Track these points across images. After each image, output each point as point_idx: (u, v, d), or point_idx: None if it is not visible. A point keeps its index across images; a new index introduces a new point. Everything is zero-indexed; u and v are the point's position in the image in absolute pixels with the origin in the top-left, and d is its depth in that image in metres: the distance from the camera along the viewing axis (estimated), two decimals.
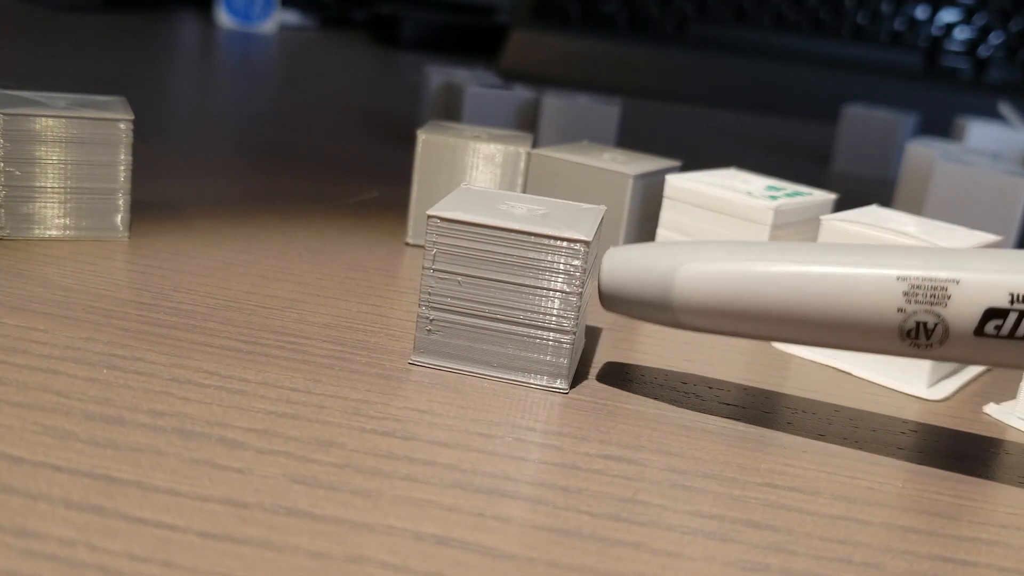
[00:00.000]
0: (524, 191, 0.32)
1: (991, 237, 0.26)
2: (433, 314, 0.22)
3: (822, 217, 0.26)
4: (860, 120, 0.60)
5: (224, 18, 0.98)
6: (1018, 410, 0.24)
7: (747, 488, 0.19)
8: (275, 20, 1.00)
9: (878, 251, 0.20)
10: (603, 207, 0.24)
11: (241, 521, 0.16)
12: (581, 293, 0.22)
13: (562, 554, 0.16)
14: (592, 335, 0.26)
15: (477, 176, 0.31)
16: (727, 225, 0.28)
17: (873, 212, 0.27)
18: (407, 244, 0.32)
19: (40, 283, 0.24)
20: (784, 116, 0.83)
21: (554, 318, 0.22)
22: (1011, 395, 0.25)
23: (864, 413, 0.23)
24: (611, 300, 0.21)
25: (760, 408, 0.23)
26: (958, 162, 0.40)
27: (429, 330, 0.22)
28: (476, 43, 1.04)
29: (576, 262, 0.21)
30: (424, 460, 0.18)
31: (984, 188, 0.39)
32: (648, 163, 0.31)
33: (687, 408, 0.22)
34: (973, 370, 0.27)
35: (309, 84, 0.69)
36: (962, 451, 0.22)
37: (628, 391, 0.23)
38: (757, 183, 0.30)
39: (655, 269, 0.21)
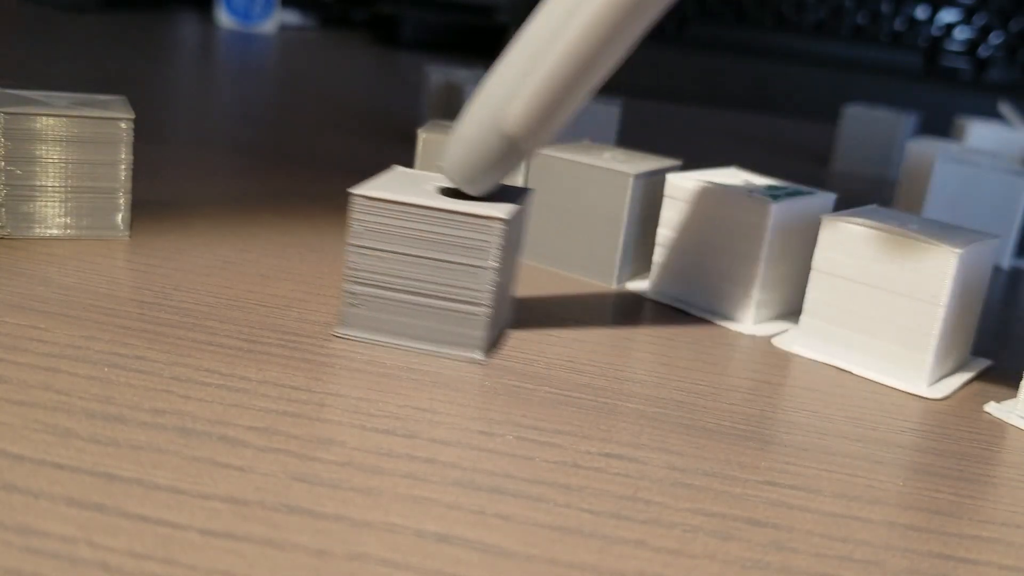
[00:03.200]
0: None
1: (990, 236, 0.26)
2: (357, 288, 0.23)
3: (823, 216, 0.26)
4: (860, 120, 0.60)
5: (224, 18, 0.98)
6: (1018, 409, 0.24)
7: (748, 486, 0.19)
8: (275, 20, 1.00)
9: None
10: (532, 189, 0.25)
11: (242, 519, 0.16)
12: (497, 268, 0.23)
13: (563, 552, 0.16)
14: (593, 334, 0.26)
15: None
16: (727, 224, 0.28)
17: (873, 211, 0.27)
18: None
19: (41, 282, 0.24)
20: (784, 116, 0.83)
21: (472, 292, 0.23)
22: (1011, 394, 0.25)
23: (865, 411, 0.23)
24: (470, 182, 0.23)
25: (761, 406, 0.23)
26: (958, 162, 0.40)
27: (353, 304, 0.23)
28: (476, 43, 1.04)
29: (491, 239, 0.22)
30: (425, 458, 0.18)
31: (984, 187, 0.39)
32: (648, 162, 0.31)
33: (687, 406, 0.22)
34: (974, 369, 0.27)
35: (309, 84, 0.69)
36: (962, 449, 0.22)
37: (628, 390, 0.23)
38: (757, 182, 0.30)
39: (485, 132, 0.22)
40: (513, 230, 0.23)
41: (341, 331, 0.23)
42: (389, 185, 0.24)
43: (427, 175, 0.25)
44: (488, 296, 0.23)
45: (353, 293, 0.23)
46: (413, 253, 0.23)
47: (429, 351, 0.23)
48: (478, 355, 0.23)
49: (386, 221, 0.23)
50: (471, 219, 0.22)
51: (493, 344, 0.24)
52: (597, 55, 0.21)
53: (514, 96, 0.22)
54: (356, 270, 0.23)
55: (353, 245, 0.23)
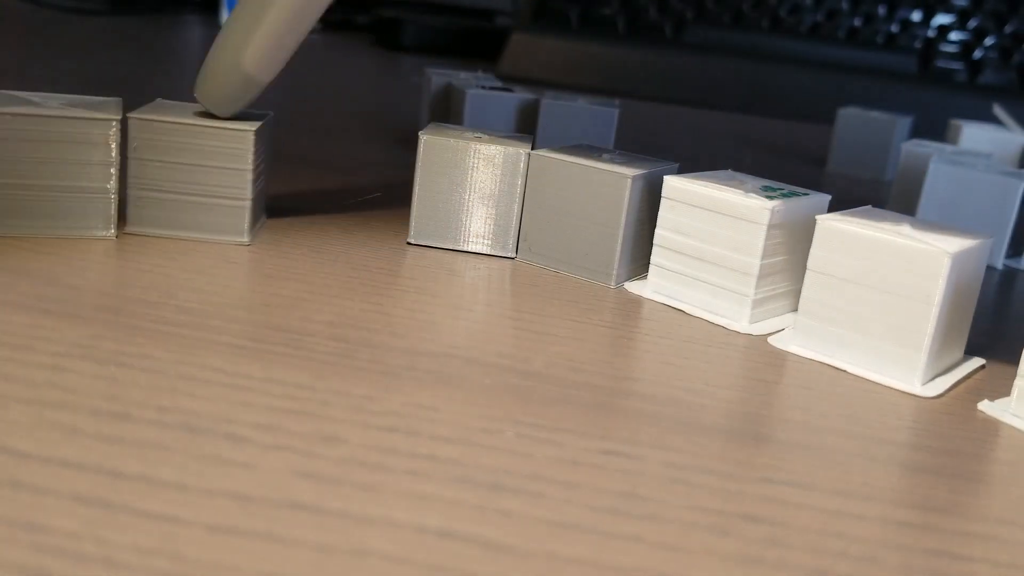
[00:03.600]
0: (524, 191, 0.32)
1: (983, 236, 0.27)
2: (141, 193, 0.29)
3: (818, 217, 0.27)
4: (855, 122, 0.61)
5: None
6: (1011, 407, 0.24)
7: (744, 483, 0.19)
8: None
9: None
10: (270, 113, 0.32)
11: (247, 515, 0.16)
12: (253, 169, 0.29)
13: (562, 547, 0.16)
14: (592, 334, 0.26)
15: (477, 176, 0.32)
16: (724, 225, 0.28)
17: (868, 212, 0.28)
18: (409, 244, 0.32)
19: (48, 281, 0.25)
20: (780, 118, 0.83)
21: (235, 189, 0.29)
22: (1004, 392, 0.26)
23: (859, 409, 0.24)
24: (219, 108, 0.29)
25: (757, 404, 0.23)
26: (952, 163, 0.40)
27: (139, 205, 0.29)
28: (477, 46, 1.04)
29: (244, 146, 0.29)
30: (426, 455, 0.19)
31: (978, 189, 0.40)
32: (646, 164, 0.32)
33: (684, 404, 0.23)
34: (967, 368, 0.27)
35: (311, 86, 0.70)
36: (956, 447, 0.22)
37: (626, 388, 0.23)
38: (753, 184, 0.30)
39: (229, 69, 0.28)
40: (259, 140, 0.30)
41: (132, 230, 0.29)
42: (159, 110, 0.29)
43: (189, 105, 0.31)
44: (248, 191, 0.29)
45: (139, 196, 0.29)
46: (181, 161, 0.29)
47: (203, 239, 0.29)
48: (244, 239, 0.30)
49: (160, 137, 0.29)
50: (225, 132, 0.29)
51: (253, 230, 0.30)
52: (309, 3, 0.27)
53: (247, 41, 0.28)
54: (139, 178, 0.29)
55: (134, 158, 0.29)
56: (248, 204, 0.30)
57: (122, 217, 0.29)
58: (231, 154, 0.29)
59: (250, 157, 0.29)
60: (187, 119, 0.29)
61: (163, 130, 0.28)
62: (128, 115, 0.28)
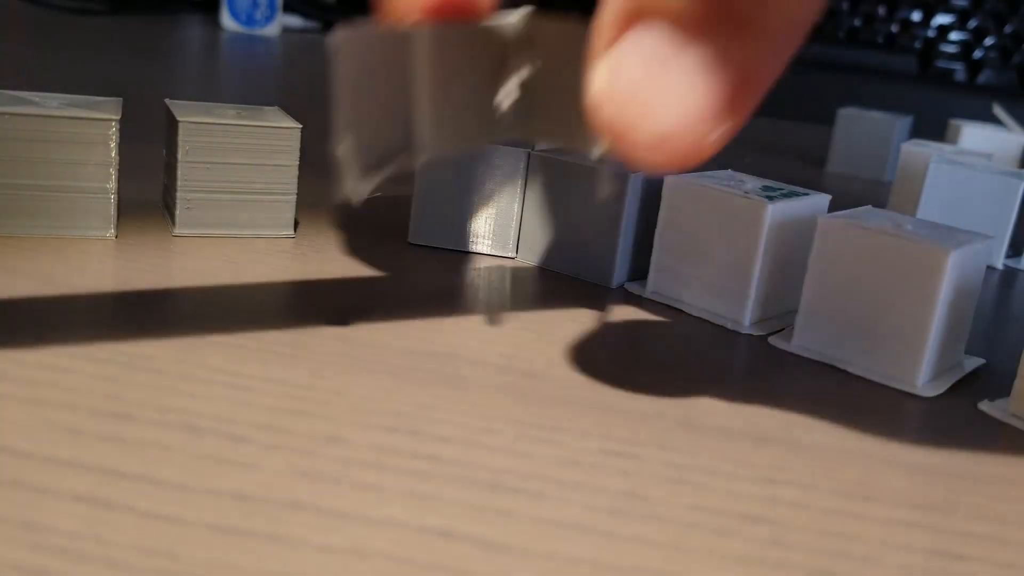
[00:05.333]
0: (524, 192, 0.32)
1: (983, 236, 0.27)
2: (189, 195, 0.29)
3: (818, 217, 0.27)
4: (855, 122, 0.61)
5: (228, 22, 0.99)
6: (1011, 407, 0.24)
7: (745, 483, 0.19)
8: (278, 23, 1.00)
9: None
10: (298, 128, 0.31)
11: (248, 515, 0.16)
12: (298, 165, 0.30)
13: (562, 547, 0.16)
14: (592, 334, 0.26)
15: (478, 176, 0.32)
16: (724, 225, 0.28)
17: (868, 213, 0.28)
18: (409, 244, 0.32)
19: (46, 281, 0.25)
20: (779, 118, 0.83)
21: (280, 185, 0.30)
22: (1004, 392, 0.26)
23: (860, 409, 0.24)
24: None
25: (757, 404, 0.23)
26: (952, 164, 0.40)
27: (188, 208, 0.29)
28: None
29: (292, 143, 0.30)
30: (427, 455, 0.19)
31: (978, 189, 0.40)
32: None
33: (685, 404, 0.23)
34: (967, 367, 0.27)
35: (311, 86, 0.70)
36: (957, 447, 0.22)
37: (628, 389, 0.23)
38: (754, 184, 0.30)
39: None
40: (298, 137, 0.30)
41: (180, 232, 0.29)
42: (199, 112, 0.30)
43: (214, 105, 0.31)
44: (294, 186, 0.30)
45: (188, 199, 0.29)
46: (233, 161, 0.29)
47: (251, 235, 0.30)
48: (288, 232, 0.31)
49: (209, 139, 0.29)
50: (277, 130, 0.30)
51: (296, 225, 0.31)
52: None
53: None
54: (188, 180, 0.29)
55: (184, 161, 0.29)
56: (294, 198, 0.31)
57: (128, 219, 0.29)
58: (279, 151, 0.30)
59: (297, 153, 0.30)
60: (233, 120, 0.29)
61: (212, 132, 0.29)
62: (179, 119, 0.28)
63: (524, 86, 0.23)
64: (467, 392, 0.22)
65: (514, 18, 0.23)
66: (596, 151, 0.20)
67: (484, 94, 0.23)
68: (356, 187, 0.23)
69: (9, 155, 0.27)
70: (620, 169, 0.29)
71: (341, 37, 0.21)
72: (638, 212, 0.31)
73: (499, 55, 0.23)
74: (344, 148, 0.22)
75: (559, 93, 0.22)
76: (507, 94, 0.23)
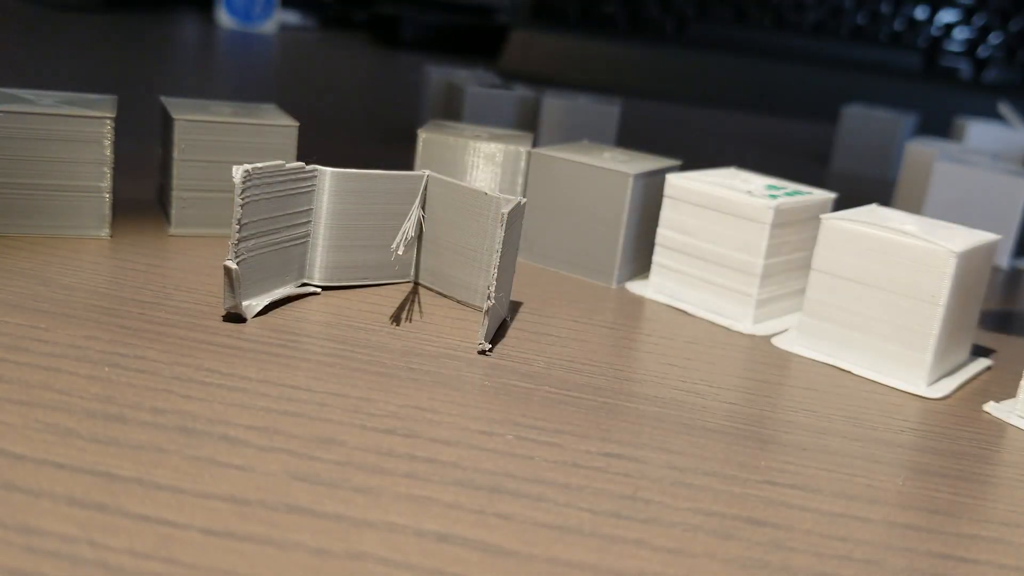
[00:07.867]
0: (525, 190, 0.32)
1: (990, 236, 0.26)
2: (184, 194, 0.29)
3: (822, 216, 0.26)
4: (860, 120, 0.60)
5: (224, 18, 0.98)
6: (1017, 408, 0.24)
7: (747, 485, 0.19)
8: (275, 20, 1.00)
9: None
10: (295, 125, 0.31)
11: (243, 518, 0.16)
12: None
13: (563, 551, 0.16)
14: (593, 334, 0.26)
15: (477, 175, 0.32)
16: (727, 224, 0.28)
17: (873, 211, 0.27)
18: None
19: (42, 281, 0.24)
20: (784, 116, 0.83)
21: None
22: (1011, 394, 0.25)
23: (864, 411, 0.23)
24: None
25: (760, 406, 0.23)
26: (958, 162, 0.40)
27: (184, 206, 0.29)
28: (476, 43, 1.04)
29: (289, 140, 0.30)
30: (425, 457, 0.18)
31: (984, 188, 0.39)
32: (648, 162, 0.31)
33: (687, 406, 0.22)
34: (973, 369, 0.27)
35: (309, 84, 0.69)
36: (961, 449, 0.22)
37: (627, 390, 0.23)
38: (757, 182, 0.30)
39: None
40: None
41: (175, 231, 0.29)
42: (196, 110, 0.30)
43: (210, 103, 0.31)
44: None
45: (182, 198, 0.29)
46: (229, 159, 0.29)
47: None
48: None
49: (205, 137, 0.29)
50: (275, 128, 0.30)
51: None
52: None
53: None
54: (183, 179, 0.29)
55: (180, 159, 0.29)
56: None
57: (123, 218, 0.29)
58: (276, 149, 0.30)
59: (294, 150, 0.30)
60: (229, 117, 0.29)
61: (209, 130, 0.29)
62: (174, 117, 0.28)
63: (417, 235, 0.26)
64: (465, 393, 0.21)
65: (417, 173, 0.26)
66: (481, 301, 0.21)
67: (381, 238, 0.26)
68: (243, 305, 0.23)
69: (3, 153, 0.27)
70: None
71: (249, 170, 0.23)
72: (640, 211, 0.31)
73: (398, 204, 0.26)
74: (236, 268, 0.22)
75: (443, 245, 0.25)
76: (401, 240, 0.25)
